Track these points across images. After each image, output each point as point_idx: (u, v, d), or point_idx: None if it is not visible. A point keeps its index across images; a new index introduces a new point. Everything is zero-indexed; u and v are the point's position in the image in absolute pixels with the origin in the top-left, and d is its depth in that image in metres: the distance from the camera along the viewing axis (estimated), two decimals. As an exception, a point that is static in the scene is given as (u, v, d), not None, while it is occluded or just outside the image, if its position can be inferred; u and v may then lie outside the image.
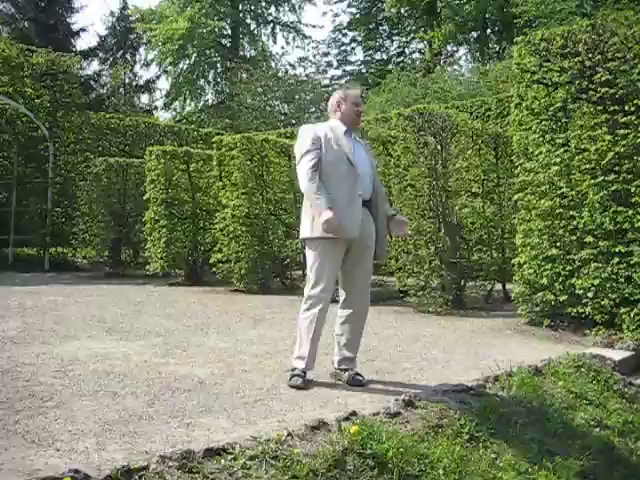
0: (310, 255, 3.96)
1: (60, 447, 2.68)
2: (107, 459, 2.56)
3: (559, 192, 6.17)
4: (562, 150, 6.17)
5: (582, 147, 6.04)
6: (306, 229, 3.96)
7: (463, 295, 7.84)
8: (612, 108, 5.89)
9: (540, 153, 6.34)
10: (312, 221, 3.89)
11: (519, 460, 3.14)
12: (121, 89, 30.64)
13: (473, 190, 8.47)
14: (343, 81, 35.72)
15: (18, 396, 3.42)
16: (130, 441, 2.79)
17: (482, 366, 4.46)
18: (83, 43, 50.60)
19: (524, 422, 3.51)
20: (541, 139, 6.36)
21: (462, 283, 7.87)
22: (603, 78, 5.91)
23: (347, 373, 3.99)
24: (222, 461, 2.57)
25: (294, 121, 25.58)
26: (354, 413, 3.15)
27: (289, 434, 2.84)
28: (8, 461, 2.50)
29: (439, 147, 7.60)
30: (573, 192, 6.08)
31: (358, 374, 4.01)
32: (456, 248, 7.68)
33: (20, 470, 2.40)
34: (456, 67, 29.50)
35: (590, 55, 6.03)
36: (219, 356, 4.65)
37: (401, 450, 2.84)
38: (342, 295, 4.11)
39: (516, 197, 6.66)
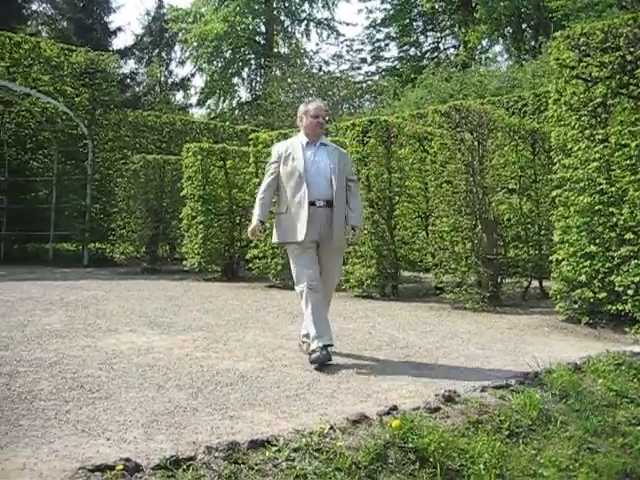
0: (289, 257, 4.65)
1: (110, 437, 2.77)
2: (155, 449, 2.63)
3: (598, 188, 6.10)
4: (602, 146, 6.10)
5: (622, 143, 5.96)
6: (274, 236, 4.70)
7: (500, 292, 7.81)
8: (654, 103, 5.81)
9: (579, 149, 6.28)
10: (277, 229, 4.63)
11: (559, 457, 3.14)
12: (157, 87, 30.96)
13: (510, 186, 8.44)
14: (376, 77, 35.65)
15: (67, 387, 3.53)
16: (176, 432, 2.87)
17: (520, 363, 4.45)
18: (120, 42, 51.19)
19: (564, 419, 3.51)
20: (580, 135, 6.29)
21: (499, 280, 7.84)
22: (645, 73, 5.83)
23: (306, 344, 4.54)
24: (267, 453, 2.63)
25: (328, 118, 25.59)
26: (395, 408, 3.18)
27: (331, 427, 2.89)
28: (62, 449, 2.59)
29: (476, 143, 7.57)
30: (613, 188, 6.01)
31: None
32: (493, 245, 7.65)
33: (74, 457, 2.49)
34: (492, 62, 29.25)
35: (631, 49, 5.95)
36: (259, 351, 4.72)
37: (442, 445, 2.87)
38: None
39: (554, 193, 6.60)
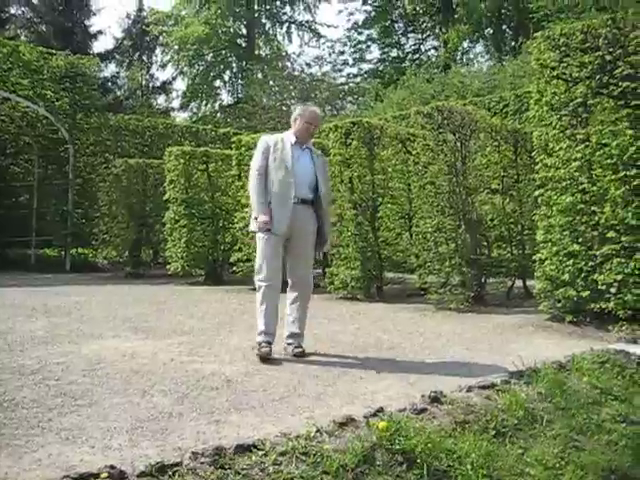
0: (257, 247, 4.72)
1: (94, 444, 2.73)
2: (140, 455, 2.60)
3: (580, 188, 6.14)
4: (583, 146, 6.14)
5: (603, 142, 6.00)
6: (252, 224, 4.76)
7: (484, 292, 7.83)
8: (634, 102, 5.85)
9: (560, 149, 6.32)
10: (255, 219, 4.66)
11: (546, 455, 3.15)
12: (138, 90, 30.82)
13: (493, 187, 8.48)
14: (359, 79, 35.72)
15: (50, 394, 3.49)
16: (162, 438, 2.84)
17: (506, 362, 4.46)
18: (100, 45, 50.95)
19: (550, 418, 3.52)
20: (561, 135, 6.33)
21: (483, 280, 7.87)
22: (624, 72, 5.88)
23: (293, 346, 4.69)
24: (253, 457, 2.61)
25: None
26: (381, 409, 3.17)
27: (318, 430, 2.87)
28: (45, 457, 2.55)
29: (458, 144, 7.60)
30: (594, 187, 6.05)
31: (300, 346, 4.70)
32: (476, 245, 7.68)
33: (58, 466, 2.46)
34: (473, 63, 29.40)
35: (611, 49, 6.00)
36: (244, 354, 4.69)
37: (429, 446, 2.86)
38: (289, 281, 4.85)
39: (537, 193, 6.63)
